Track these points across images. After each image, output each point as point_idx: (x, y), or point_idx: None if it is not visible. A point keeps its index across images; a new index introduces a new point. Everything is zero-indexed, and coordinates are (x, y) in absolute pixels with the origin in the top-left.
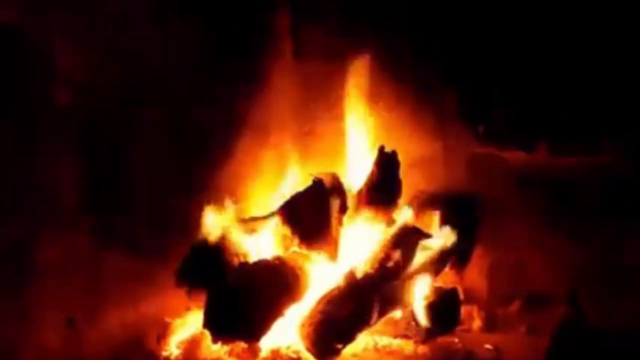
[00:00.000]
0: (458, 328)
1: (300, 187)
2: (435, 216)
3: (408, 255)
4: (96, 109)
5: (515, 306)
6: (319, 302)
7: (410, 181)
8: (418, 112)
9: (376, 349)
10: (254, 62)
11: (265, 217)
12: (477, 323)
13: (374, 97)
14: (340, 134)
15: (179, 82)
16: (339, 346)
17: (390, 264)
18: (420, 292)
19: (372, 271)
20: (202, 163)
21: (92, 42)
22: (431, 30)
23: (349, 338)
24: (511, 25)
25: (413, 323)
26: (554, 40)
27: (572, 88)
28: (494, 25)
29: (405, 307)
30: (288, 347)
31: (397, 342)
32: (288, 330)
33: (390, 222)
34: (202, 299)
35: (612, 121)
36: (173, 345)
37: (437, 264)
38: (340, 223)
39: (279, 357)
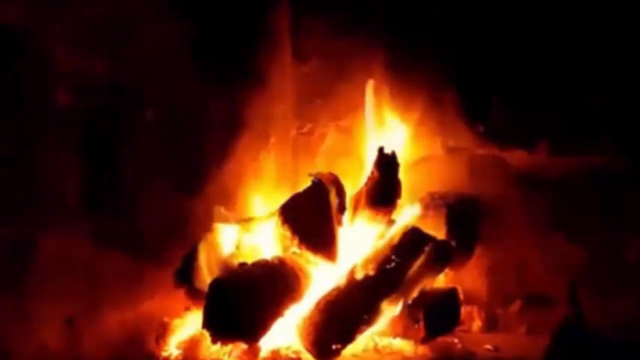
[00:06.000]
0: (458, 328)
1: (300, 187)
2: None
3: (409, 257)
4: (96, 109)
5: (515, 306)
6: (318, 303)
7: (410, 182)
8: (418, 112)
9: (376, 350)
10: (254, 62)
11: (265, 217)
12: (477, 323)
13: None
14: (340, 133)
15: (179, 83)
16: (339, 346)
17: (391, 265)
18: (420, 292)
19: (372, 272)
20: (202, 163)
21: (92, 43)
22: (432, 30)
23: (348, 338)
24: (511, 25)
25: (413, 323)
26: (554, 40)
27: (572, 87)
28: (494, 25)
29: (405, 307)
30: (288, 347)
31: (397, 342)
32: (288, 330)
33: (390, 222)
34: (202, 298)
35: (612, 120)
36: (172, 345)
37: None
38: (339, 223)
39: (278, 358)
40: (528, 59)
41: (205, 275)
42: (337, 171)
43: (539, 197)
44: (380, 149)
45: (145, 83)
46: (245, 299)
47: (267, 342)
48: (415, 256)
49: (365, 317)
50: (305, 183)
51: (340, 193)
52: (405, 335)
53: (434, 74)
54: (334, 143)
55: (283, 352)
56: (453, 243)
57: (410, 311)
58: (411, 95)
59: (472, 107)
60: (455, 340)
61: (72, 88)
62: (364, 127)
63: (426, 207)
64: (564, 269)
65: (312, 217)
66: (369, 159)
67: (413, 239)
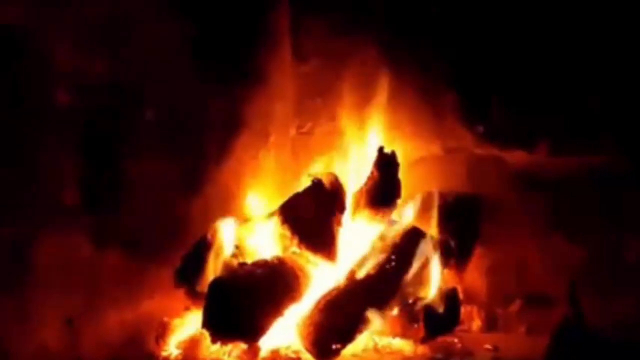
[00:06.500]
0: (458, 328)
1: (300, 187)
2: (436, 217)
3: (409, 256)
4: (96, 109)
5: (515, 306)
6: (318, 303)
7: (410, 182)
8: (418, 112)
9: (376, 350)
10: (254, 61)
11: (265, 217)
12: (477, 323)
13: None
14: (340, 134)
15: (179, 83)
16: (339, 346)
17: (391, 265)
18: (420, 292)
19: (372, 272)
20: (202, 163)
21: (92, 43)
22: (432, 30)
23: (348, 338)
24: (511, 25)
25: (413, 323)
26: (554, 40)
27: (572, 87)
28: (494, 26)
29: (406, 307)
30: (288, 347)
31: (397, 342)
32: (288, 330)
33: (390, 222)
34: (201, 299)
35: (612, 120)
36: (172, 345)
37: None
38: (339, 223)
39: (279, 358)
40: (528, 59)
41: (207, 278)
42: (337, 171)
43: (539, 197)
44: (380, 149)
45: (145, 83)
46: (245, 299)
47: (267, 342)
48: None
49: (365, 317)
50: (305, 183)
51: (340, 193)
52: (405, 335)
53: (433, 74)
54: (333, 143)
55: (283, 352)
56: (452, 243)
57: (410, 311)
58: (410, 95)
59: (472, 107)
60: (455, 340)
61: (72, 88)
62: (362, 127)
63: (426, 207)
64: (564, 269)
65: (312, 217)
66: (368, 159)
67: (413, 239)
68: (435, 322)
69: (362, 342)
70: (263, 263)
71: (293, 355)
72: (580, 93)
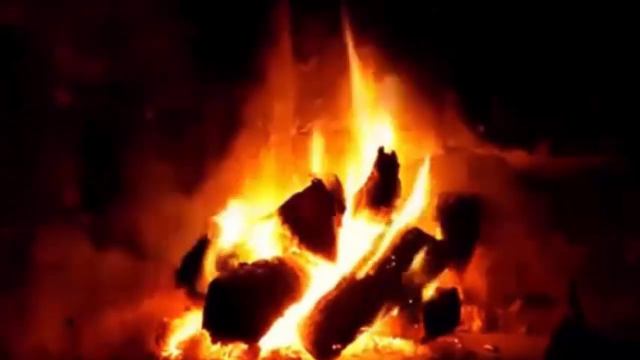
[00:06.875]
0: (458, 328)
1: (300, 187)
2: (436, 217)
3: (408, 256)
4: (96, 109)
5: (515, 306)
6: (318, 303)
7: (410, 182)
8: (418, 112)
9: (376, 350)
10: (254, 61)
11: (265, 217)
12: (477, 323)
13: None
14: (339, 134)
15: (179, 82)
16: (339, 346)
17: (390, 265)
18: (420, 292)
19: (372, 272)
20: (202, 163)
21: (92, 43)
22: (432, 30)
23: (348, 338)
24: (511, 25)
25: (413, 323)
26: (554, 40)
27: (572, 87)
28: (494, 25)
29: (405, 307)
30: (288, 347)
31: (397, 342)
32: (288, 330)
33: (390, 222)
34: (201, 299)
35: (612, 120)
36: (172, 345)
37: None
38: (339, 223)
39: (279, 358)
40: (528, 59)
41: (207, 278)
42: (337, 171)
43: (539, 197)
44: (380, 149)
45: (145, 83)
46: (245, 299)
47: (267, 342)
48: (415, 256)
49: (366, 317)
50: (305, 183)
51: (340, 193)
52: (405, 335)
53: (433, 74)
54: (333, 143)
55: (283, 352)
56: (452, 243)
57: (410, 311)
58: (411, 95)
59: (472, 107)
60: (455, 340)
61: (72, 88)
62: (362, 127)
63: (426, 207)
64: (564, 269)
65: (312, 217)
66: (368, 158)
67: (413, 239)
68: (435, 322)
69: (362, 342)
70: (263, 263)
71: (293, 355)
72: (580, 93)
